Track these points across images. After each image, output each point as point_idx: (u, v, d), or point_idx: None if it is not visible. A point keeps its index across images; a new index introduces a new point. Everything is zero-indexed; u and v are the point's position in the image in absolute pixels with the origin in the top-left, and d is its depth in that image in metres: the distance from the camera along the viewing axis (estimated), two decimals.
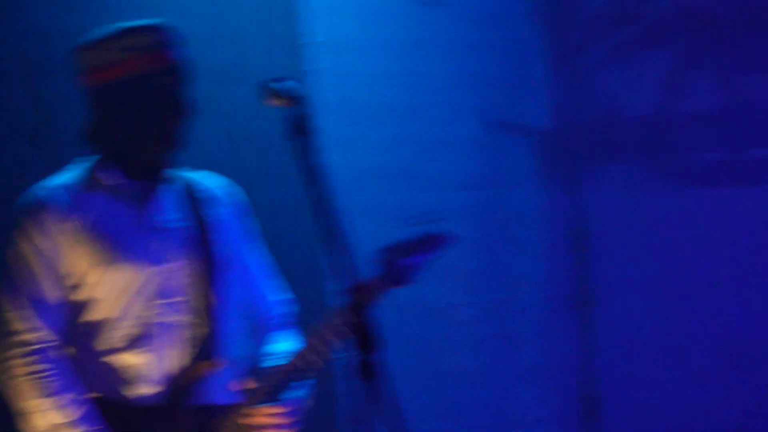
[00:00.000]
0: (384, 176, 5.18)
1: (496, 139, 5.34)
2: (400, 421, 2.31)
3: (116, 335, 3.23)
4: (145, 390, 3.24)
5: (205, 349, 3.29)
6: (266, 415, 3.23)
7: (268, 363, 3.38)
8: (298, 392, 3.30)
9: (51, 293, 3.24)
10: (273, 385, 3.26)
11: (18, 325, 3.19)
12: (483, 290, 5.28)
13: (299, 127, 2.57)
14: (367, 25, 5.20)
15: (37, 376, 3.17)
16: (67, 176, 3.31)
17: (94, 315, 3.24)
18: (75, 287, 3.24)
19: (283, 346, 3.43)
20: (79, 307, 3.26)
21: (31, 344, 3.18)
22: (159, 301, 3.26)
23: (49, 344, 3.21)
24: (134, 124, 3.25)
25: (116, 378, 3.24)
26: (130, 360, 3.23)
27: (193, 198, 3.38)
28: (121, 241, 3.23)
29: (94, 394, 3.24)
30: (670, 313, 5.40)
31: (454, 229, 5.10)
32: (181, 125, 3.28)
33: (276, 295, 3.54)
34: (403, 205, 5.10)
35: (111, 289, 3.22)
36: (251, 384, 3.27)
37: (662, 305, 5.41)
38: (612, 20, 5.46)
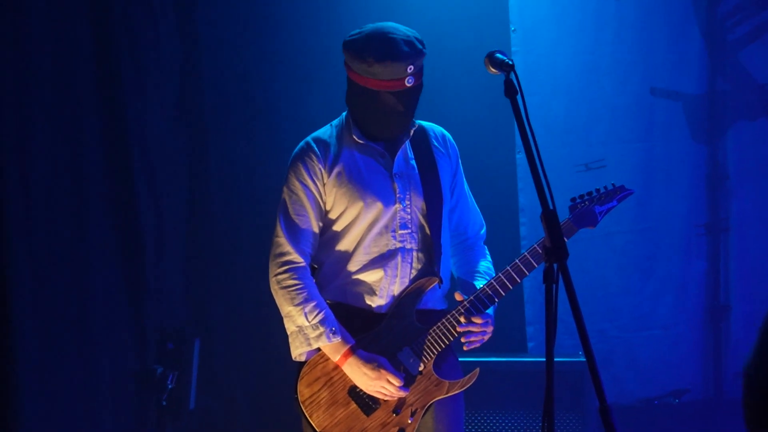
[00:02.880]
0: (566, 132, 5.67)
1: (656, 102, 5.71)
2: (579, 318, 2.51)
3: (360, 258, 3.61)
4: (380, 299, 3.61)
5: (424, 269, 3.66)
6: (470, 322, 3.58)
7: (473, 281, 3.70)
8: (490, 309, 3.63)
9: (314, 224, 3.61)
10: (476, 300, 3.59)
11: (285, 248, 3.58)
12: (637, 221, 5.68)
13: (512, 88, 2.82)
14: (551, 14, 5.66)
15: (291, 289, 3.56)
16: (328, 131, 3.70)
17: (345, 242, 3.62)
18: (333, 220, 3.62)
19: (482, 265, 3.78)
20: (334, 235, 3.64)
21: (291, 264, 3.58)
22: (396, 232, 3.60)
23: (305, 265, 3.61)
24: (364, 117, 3.61)
25: (359, 290, 3.62)
26: (370, 277, 3.61)
27: (424, 146, 3.68)
28: (370, 185, 3.60)
29: (339, 303, 3.62)
30: None
31: (618, 173, 5.45)
32: (402, 121, 3.55)
33: (477, 221, 3.87)
34: (580, 154, 5.69)
35: (361, 223, 3.60)
36: (460, 297, 3.61)
37: None
38: (753, 7, 5.70)
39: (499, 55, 2.94)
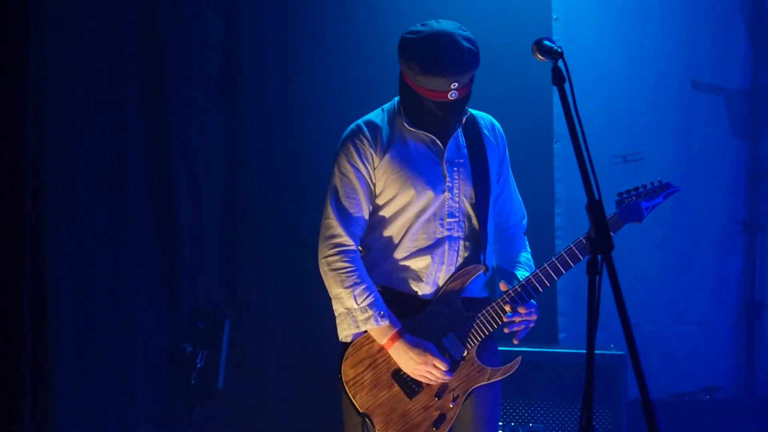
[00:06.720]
0: (605, 123, 5.65)
1: (697, 96, 5.67)
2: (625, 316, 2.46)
3: (408, 245, 3.66)
4: (426, 286, 3.68)
5: (470, 257, 3.71)
6: (515, 311, 3.63)
7: (514, 271, 3.74)
8: (533, 299, 3.67)
9: (364, 207, 3.65)
10: (520, 290, 3.64)
11: (337, 230, 3.62)
12: (675, 215, 5.64)
13: (560, 76, 2.81)
14: (595, 3, 5.62)
15: (342, 271, 3.61)
16: (379, 115, 3.72)
17: (393, 228, 3.67)
18: (382, 206, 3.67)
19: (522, 255, 3.81)
20: (382, 221, 3.68)
21: (342, 246, 3.62)
22: (443, 220, 3.65)
23: (355, 248, 3.65)
24: (411, 112, 3.64)
25: (405, 276, 3.68)
26: (417, 264, 3.67)
27: (475, 134, 3.70)
28: (421, 172, 3.63)
29: (386, 287, 3.68)
30: None
31: (657, 166, 5.50)
32: (446, 125, 3.59)
33: (519, 211, 3.89)
34: (619, 145, 5.67)
35: (410, 210, 3.65)
36: (505, 286, 3.65)
37: None
38: None
39: (547, 42, 2.92)
